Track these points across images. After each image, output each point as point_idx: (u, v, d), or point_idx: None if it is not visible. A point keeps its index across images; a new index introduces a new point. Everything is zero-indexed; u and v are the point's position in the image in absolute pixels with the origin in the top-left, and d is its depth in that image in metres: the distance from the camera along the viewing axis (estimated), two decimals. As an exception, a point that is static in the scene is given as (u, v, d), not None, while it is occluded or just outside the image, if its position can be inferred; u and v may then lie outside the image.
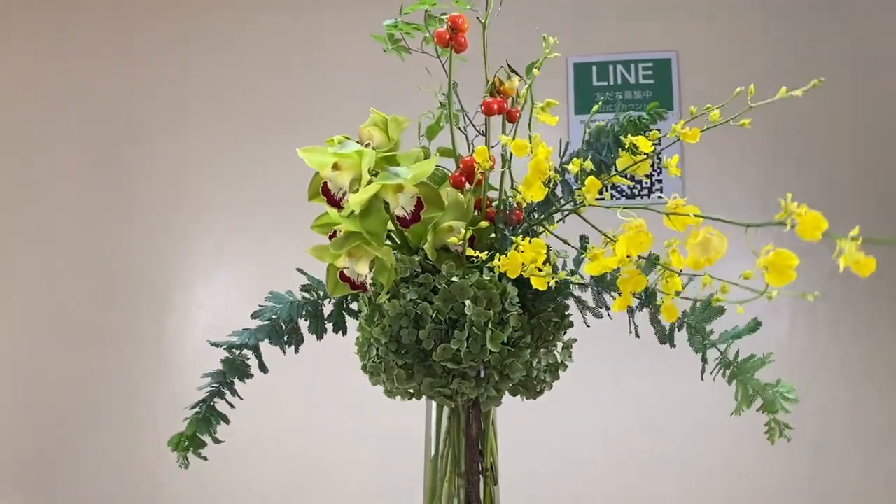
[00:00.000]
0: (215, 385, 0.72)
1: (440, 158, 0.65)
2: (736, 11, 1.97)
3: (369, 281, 0.60)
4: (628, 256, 0.50)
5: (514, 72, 0.66)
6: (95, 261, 2.06)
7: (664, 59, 1.96)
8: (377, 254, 0.59)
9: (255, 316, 0.73)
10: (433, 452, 0.68)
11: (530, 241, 0.53)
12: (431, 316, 0.60)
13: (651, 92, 1.95)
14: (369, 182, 0.57)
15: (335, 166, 0.57)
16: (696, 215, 0.50)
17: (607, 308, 0.64)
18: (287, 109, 2.04)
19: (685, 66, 1.96)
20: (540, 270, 0.54)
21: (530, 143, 0.56)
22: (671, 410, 1.82)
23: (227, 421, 0.70)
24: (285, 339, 0.72)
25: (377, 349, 0.62)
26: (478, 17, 0.64)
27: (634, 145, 0.60)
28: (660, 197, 1.93)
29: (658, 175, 1.93)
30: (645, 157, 0.59)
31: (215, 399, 0.71)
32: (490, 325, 0.59)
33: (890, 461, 1.80)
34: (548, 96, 0.72)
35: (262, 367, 0.73)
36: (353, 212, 0.57)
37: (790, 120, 1.92)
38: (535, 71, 0.63)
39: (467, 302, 0.58)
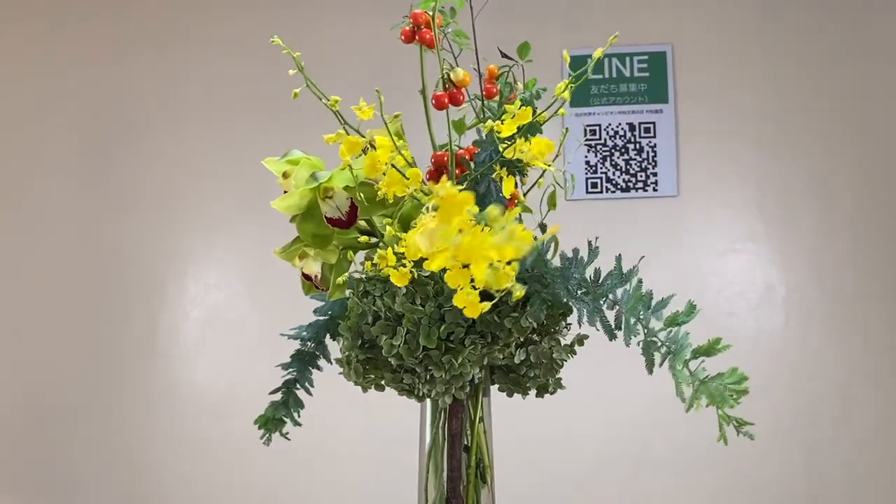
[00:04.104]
0: (294, 372, 0.76)
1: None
2: (731, 4, 1.96)
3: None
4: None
5: (506, 57, 0.65)
6: (87, 254, 2.06)
7: (659, 52, 1.95)
8: (311, 255, 0.60)
9: (316, 312, 0.75)
10: (426, 447, 0.68)
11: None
12: (383, 313, 0.60)
13: (646, 85, 1.95)
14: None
15: (284, 174, 0.59)
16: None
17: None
18: (281, 104, 2.02)
19: (680, 59, 1.95)
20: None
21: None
22: (662, 404, 1.82)
23: (302, 406, 0.76)
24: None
25: (344, 342, 0.64)
26: (439, 9, 0.63)
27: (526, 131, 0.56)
28: (655, 190, 1.92)
29: (653, 168, 1.93)
30: (509, 141, 0.55)
31: (294, 385, 0.76)
32: (425, 321, 0.59)
33: (884, 453, 1.81)
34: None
35: (328, 359, 0.77)
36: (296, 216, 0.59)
37: (787, 111, 1.91)
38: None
39: (398, 298, 0.59)
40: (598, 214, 1.91)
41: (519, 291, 0.47)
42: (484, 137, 0.62)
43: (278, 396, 0.76)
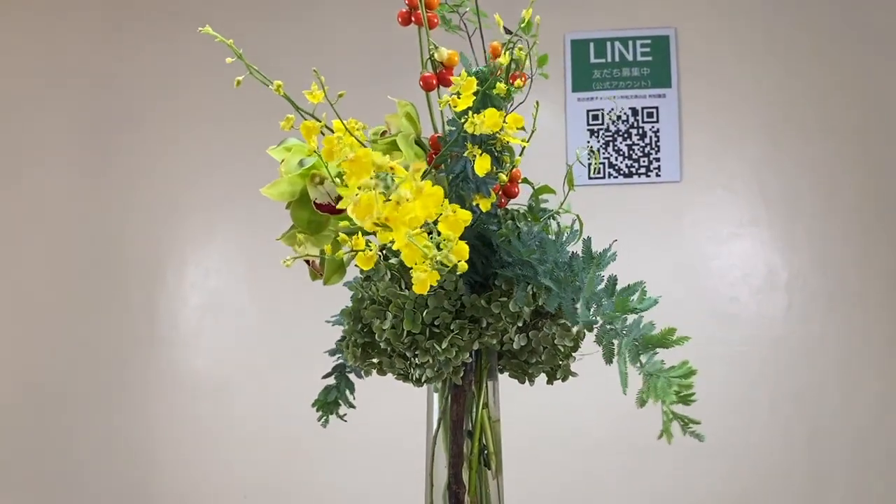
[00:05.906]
0: (341, 358, 0.77)
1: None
2: (735, -13, 1.95)
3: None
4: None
5: (510, 32, 0.64)
6: (87, 241, 2.05)
7: (662, 35, 1.94)
8: (302, 239, 0.60)
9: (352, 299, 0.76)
10: (432, 432, 0.68)
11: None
12: (377, 297, 0.61)
13: (649, 69, 1.93)
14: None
15: (282, 162, 0.60)
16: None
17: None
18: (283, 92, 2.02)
19: (683, 43, 1.94)
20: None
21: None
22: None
23: (353, 388, 0.77)
24: None
25: (345, 326, 0.65)
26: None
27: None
28: (658, 175, 1.92)
29: (656, 154, 1.92)
30: (463, 118, 0.53)
31: (344, 369, 0.77)
32: (409, 306, 0.59)
33: (885, 437, 1.81)
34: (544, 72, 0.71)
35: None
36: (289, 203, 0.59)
37: (790, 96, 1.90)
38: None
39: (382, 282, 0.59)
40: (601, 200, 1.90)
41: (463, 264, 0.45)
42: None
43: (331, 381, 0.77)
